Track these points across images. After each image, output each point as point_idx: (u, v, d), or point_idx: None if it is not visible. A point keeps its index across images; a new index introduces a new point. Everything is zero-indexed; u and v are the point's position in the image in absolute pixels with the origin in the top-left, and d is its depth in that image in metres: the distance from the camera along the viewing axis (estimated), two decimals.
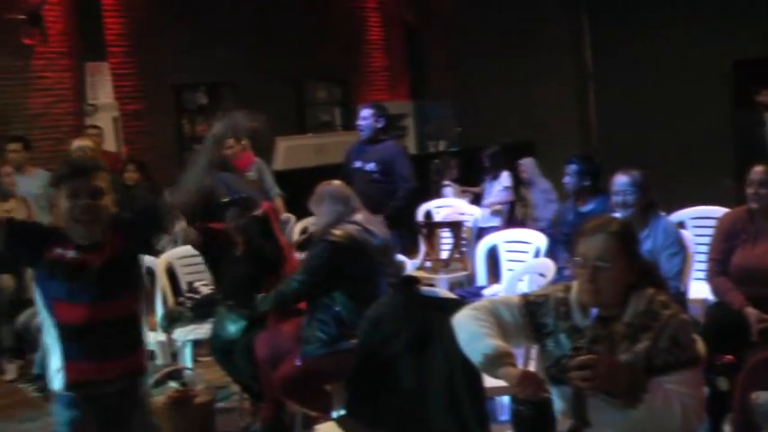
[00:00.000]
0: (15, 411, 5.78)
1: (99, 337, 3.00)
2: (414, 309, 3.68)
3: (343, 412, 3.88)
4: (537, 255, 5.55)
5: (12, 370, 6.47)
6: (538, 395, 2.55)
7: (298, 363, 4.27)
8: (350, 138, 9.57)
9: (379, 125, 6.56)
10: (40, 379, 5.70)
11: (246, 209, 5.08)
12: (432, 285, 5.19)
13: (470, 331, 2.75)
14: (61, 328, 3.00)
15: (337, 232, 4.26)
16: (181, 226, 6.97)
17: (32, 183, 7.02)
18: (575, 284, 2.76)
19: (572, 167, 5.55)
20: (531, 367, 3.63)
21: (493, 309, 2.81)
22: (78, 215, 2.99)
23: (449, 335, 2.91)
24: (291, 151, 10.13)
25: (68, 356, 3.00)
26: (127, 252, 3.13)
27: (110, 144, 8.88)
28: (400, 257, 5.31)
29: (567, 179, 5.59)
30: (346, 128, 11.81)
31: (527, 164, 8.35)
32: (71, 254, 2.99)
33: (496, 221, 7.95)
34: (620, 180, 4.61)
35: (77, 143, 6.84)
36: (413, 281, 3.83)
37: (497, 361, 2.61)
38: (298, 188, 6.43)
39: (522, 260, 5.63)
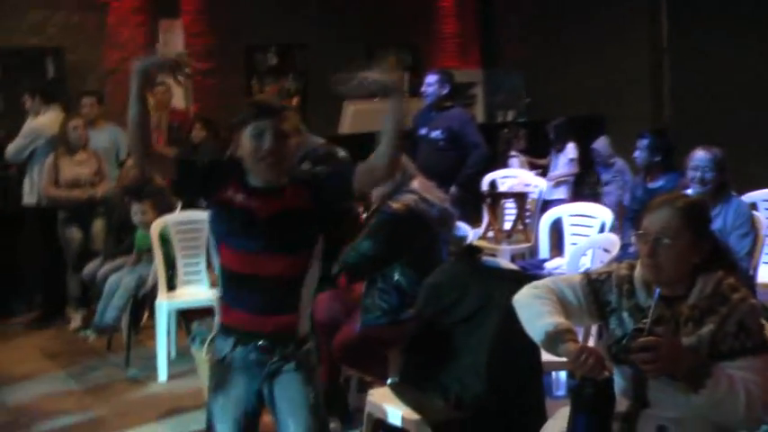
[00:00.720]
0: (79, 360, 5.93)
1: (253, 290, 2.83)
2: (475, 278, 3.65)
3: (397, 378, 3.88)
4: (602, 230, 5.45)
5: (77, 319, 6.64)
6: (598, 372, 2.49)
7: (357, 329, 4.26)
8: (418, 104, 9.52)
9: (444, 91, 6.50)
10: (102, 327, 5.85)
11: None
12: (493, 256, 5.15)
13: (531, 309, 2.70)
14: (222, 269, 2.89)
15: (394, 204, 4.20)
16: None
17: (103, 137, 7.13)
18: (639, 262, 2.69)
19: (643, 142, 5.43)
20: (591, 343, 3.58)
21: (554, 287, 2.76)
22: (262, 155, 2.81)
23: (508, 306, 2.87)
24: (359, 115, 10.08)
25: (225, 299, 2.92)
26: (306, 209, 2.88)
27: (179, 101, 8.95)
28: (463, 227, 5.25)
29: (637, 153, 5.48)
30: (415, 94, 11.71)
31: (600, 146, 8.13)
32: (240, 198, 2.83)
33: (562, 194, 7.84)
34: (700, 156, 4.51)
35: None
36: (475, 250, 3.79)
37: (558, 338, 2.57)
38: (365, 152, 6.42)
39: (587, 234, 5.54)
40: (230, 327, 2.89)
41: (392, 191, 4.26)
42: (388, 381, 4.03)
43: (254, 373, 2.86)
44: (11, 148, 6.78)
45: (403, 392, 3.66)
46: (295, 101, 10.97)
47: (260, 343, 2.84)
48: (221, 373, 2.92)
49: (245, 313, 2.85)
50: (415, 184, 4.30)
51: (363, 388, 4.76)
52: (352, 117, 10.10)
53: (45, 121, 6.86)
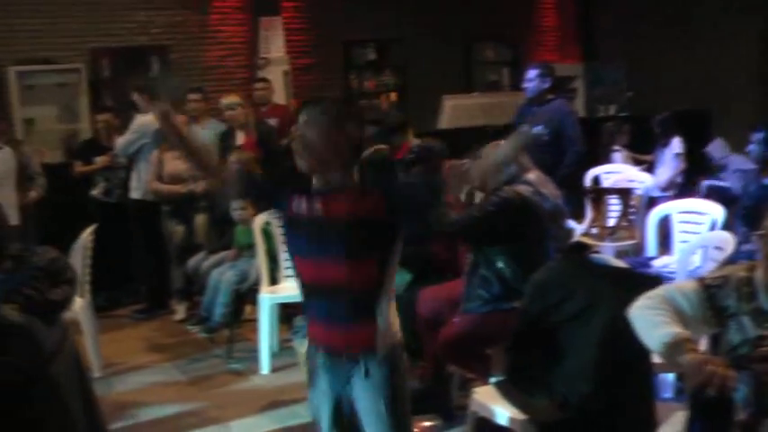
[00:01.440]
0: (183, 351, 6.05)
1: (323, 300, 2.72)
2: (583, 276, 3.55)
3: (501, 377, 3.81)
4: (713, 228, 5.26)
5: (180, 311, 6.78)
6: (724, 389, 2.30)
7: (456, 319, 4.22)
8: (517, 98, 9.38)
9: (545, 85, 6.37)
10: (207, 321, 5.94)
11: (432, 162, 4.98)
12: (596, 253, 5.02)
13: (647, 320, 2.59)
14: (298, 279, 2.80)
15: (508, 190, 4.13)
16: None
17: (207, 132, 7.25)
18: (760, 264, 2.56)
19: (758, 135, 5.22)
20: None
21: (668, 296, 2.64)
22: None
23: (617, 305, 2.77)
24: (457, 110, 10.01)
25: (304, 311, 2.87)
26: (380, 218, 2.68)
27: (279, 97, 9.04)
28: (570, 223, 5.14)
29: (751, 147, 5.27)
30: (514, 88, 11.60)
31: (714, 149, 7.86)
32: (304, 206, 2.69)
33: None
34: None
35: (226, 100, 6.96)
36: (583, 247, 3.68)
37: (677, 348, 2.44)
38: (463, 147, 6.37)
39: (696, 232, 5.35)
40: (311, 338, 2.82)
41: (507, 180, 4.19)
42: (492, 379, 3.97)
43: (334, 376, 2.76)
44: (120, 142, 6.95)
45: (508, 392, 3.58)
46: (392, 96, 11.04)
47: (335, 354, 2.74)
48: (311, 367, 2.85)
49: (320, 324, 2.76)
50: (531, 176, 4.23)
51: (465, 386, 4.72)
52: (451, 112, 10.03)
53: (152, 117, 7.00)
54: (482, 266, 4.18)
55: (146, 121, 6.99)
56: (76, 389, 2.87)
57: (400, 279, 4.78)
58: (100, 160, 7.15)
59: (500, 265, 4.13)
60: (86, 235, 5.61)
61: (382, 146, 6.05)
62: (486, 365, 4.23)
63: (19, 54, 8.72)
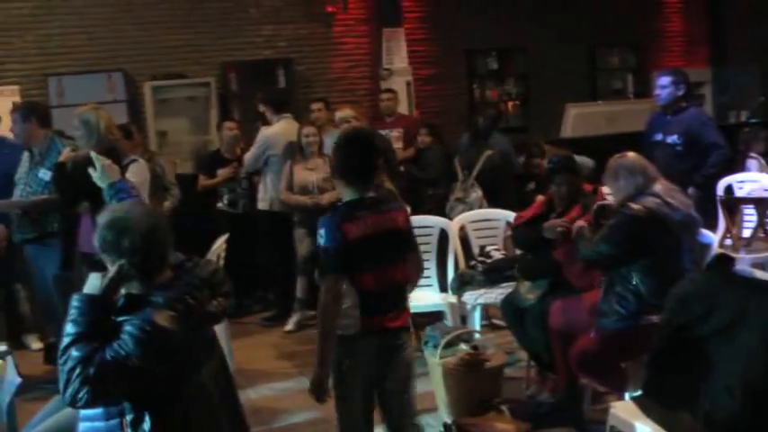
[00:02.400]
0: (311, 358, 6.10)
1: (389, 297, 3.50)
2: (727, 289, 3.43)
3: (640, 392, 3.72)
4: None
5: (291, 323, 6.84)
6: None
7: (592, 334, 4.15)
8: (642, 106, 9.17)
9: (680, 93, 6.19)
10: None
11: (575, 173, 4.91)
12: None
13: None
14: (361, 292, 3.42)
15: (635, 206, 4.07)
16: (476, 194, 7.01)
17: (330, 141, 7.33)
18: None
19: None
20: None
21: None
22: None
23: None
24: (581, 119, 9.87)
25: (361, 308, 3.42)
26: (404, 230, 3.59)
27: (402, 108, 9.11)
28: (708, 234, 4.98)
29: None
30: (639, 95, 11.34)
31: None
32: (354, 229, 3.36)
33: None
34: None
35: (340, 113, 7.03)
36: (727, 259, 3.56)
37: None
38: (587, 155, 6.28)
39: None
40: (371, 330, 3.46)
41: (634, 193, 4.12)
42: (630, 394, 3.88)
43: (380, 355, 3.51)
44: (248, 158, 7.11)
45: (649, 407, 3.50)
46: (511, 105, 10.96)
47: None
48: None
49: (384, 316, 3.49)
50: (658, 187, 4.14)
51: (597, 399, 4.63)
52: (574, 120, 9.90)
53: (277, 129, 7.16)
54: (617, 284, 4.11)
55: (270, 132, 7.15)
56: (223, 395, 2.95)
57: (533, 289, 4.74)
58: (222, 173, 7.33)
59: (635, 281, 4.06)
60: (219, 244, 5.76)
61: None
62: (622, 379, 4.16)
63: (154, 69, 9.09)
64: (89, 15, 9.11)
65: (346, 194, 3.51)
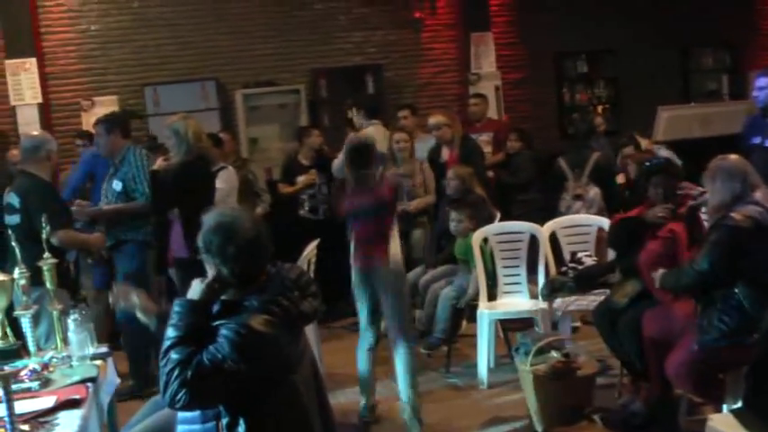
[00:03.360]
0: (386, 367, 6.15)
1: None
2: None
3: (739, 404, 3.62)
4: None
5: (383, 326, 6.84)
6: None
7: (693, 349, 4.03)
8: (738, 108, 8.91)
9: None
10: (425, 335, 6.01)
11: (671, 174, 4.83)
12: None
13: None
14: None
15: (737, 216, 3.93)
16: (595, 191, 6.92)
17: (421, 147, 7.39)
18: None
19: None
20: None
21: None
22: None
23: None
24: (674, 121, 9.64)
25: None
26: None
27: (491, 112, 9.06)
28: None
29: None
30: (735, 97, 11.02)
31: None
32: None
33: None
34: None
35: (433, 120, 7.03)
36: None
37: None
38: (681, 159, 6.14)
39: None
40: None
41: (729, 200, 4.00)
42: (729, 406, 3.78)
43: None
44: (336, 163, 7.16)
45: (749, 421, 3.40)
46: (601, 108, 10.76)
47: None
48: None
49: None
50: (758, 194, 4.00)
51: (693, 410, 4.52)
52: (667, 123, 9.68)
53: (367, 134, 7.21)
54: (719, 299, 3.97)
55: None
56: (313, 397, 2.99)
57: (627, 291, 4.66)
58: (301, 180, 7.41)
59: (738, 295, 3.92)
60: (310, 250, 5.84)
61: None
62: (720, 391, 4.05)
63: (245, 78, 9.26)
64: (182, 27, 9.34)
65: None
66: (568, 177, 6.97)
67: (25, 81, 8.68)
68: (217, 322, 2.78)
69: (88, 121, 8.78)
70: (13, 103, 8.70)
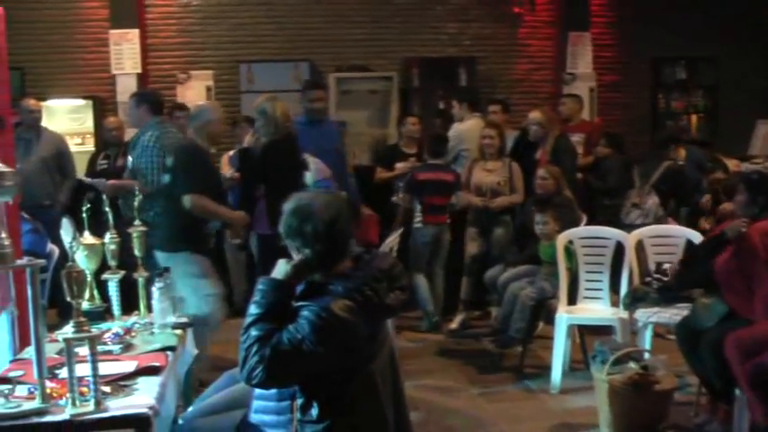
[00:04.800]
0: (473, 359, 6.13)
1: None
2: None
3: None
4: None
5: (456, 321, 6.83)
6: None
7: None
8: None
9: None
10: (501, 333, 5.96)
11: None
12: None
13: None
14: None
15: None
16: (653, 201, 6.80)
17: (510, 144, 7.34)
18: None
19: None
20: None
21: None
22: None
23: None
24: None
25: None
26: None
27: (584, 113, 8.92)
28: None
29: None
30: None
31: None
32: None
33: None
34: None
35: (531, 116, 6.96)
36: None
37: None
38: None
39: None
40: None
41: None
42: None
43: None
44: None
45: None
46: (696, 118, 10.47)
47: None
48: None
49: None
50: None
51: None
52: (765, 137, 9.38)
53: (467, 127, 7.22)
54: None
55: (463, 128, 7.23)
56: (389, 389, 2.98)
57: (713, 312, 4.53)
58: (400, 167, 7.38)
59: None
60: (393, 237, 5.85)
61: None
62: None
63: (339, 61, 9.31)
64: (279, 6, 9.44)
65: None
66: (636, 185, 6.87)
67: (127, 51, 8.90)
68: (299, 303, 2.80)
69: (183, 93, 9.01)
70: (113, 71, 8.94)
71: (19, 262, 2.95)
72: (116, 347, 3.56)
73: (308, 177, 5.66)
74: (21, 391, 2.93)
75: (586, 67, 9.66)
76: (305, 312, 2.72)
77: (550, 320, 5.67)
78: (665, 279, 5.28)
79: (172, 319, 3.89)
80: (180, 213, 5.02)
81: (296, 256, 2.89)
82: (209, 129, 5.29)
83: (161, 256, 4.98)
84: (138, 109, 6.17)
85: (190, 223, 5.08)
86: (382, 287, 2.83)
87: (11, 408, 2.79)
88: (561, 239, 5.59)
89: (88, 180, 6.69)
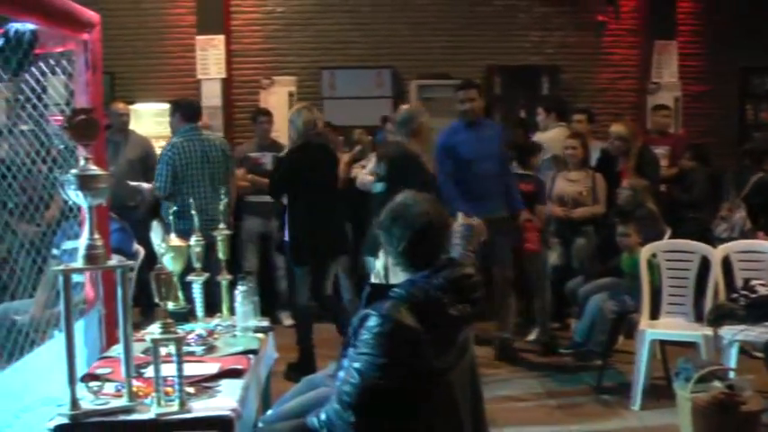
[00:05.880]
0: (550, 371, 6.04)
1: None
2: None
3: None
4: None
5: (534, 332, 6.74)
6: None
7: None
8: None
9: None
10: (580, 346, 5.87)
11: None
12: None
13: None
14: None
15: None
16: (740, 214, 6.62)
17: (593, 155, 7.24)
18: None
19: None
20: None
21: None
22: None
23: None
24: None
25: None
26: None
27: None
28: None
29: None
30: None
31: None
32: None
33: None
34: None
35: (613, 129, 6.84)
36: None
37: None
38: None
39: None
40: None
41: None
42: None
43: None
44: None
45: None
46: None
47: None
48: None
49: None
50: None
51: None
52: None
53: (551, 136, 7.16)
54: None
55: (547, 138, 7.20)
56: (469, 403, 2.95)
57: None
58: None
59: None
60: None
61: None
62: None
63: (421, 69, 9.32)
64: (363, 13, 9.52)
65: None
66: (726, 197, 6.71)
67: (212, 57, 9.09)
68: (363, 312, 2.79)
69: (266, 99, 9.14)
70: (199, 76, 9.12)
71: (110, 263, 3.02)
72: (199, 349, 3.61)
73: None
74: (108, 388, 3.00)
75: (671, 76, 9.48)
76: (367, 323, 2.71)
77: (631, 334, 5.56)
78: (753, 296, 5.14)
79: (254, 322, 3.93)
80: None
81: (383, 252, 2.94)
82: (419, 132, 5.28)
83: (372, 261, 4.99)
84: (172, 117, 6.46)
85: None
86: (448, 297, 2.78)
87: (99, 404, 2.86)
88: (645, 252, 5.48)
89: (133, 183, 6.82)
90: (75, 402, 2.78)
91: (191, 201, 4.71)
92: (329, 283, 6.04)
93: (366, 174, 6.88)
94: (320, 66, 9.30)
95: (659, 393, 5.36)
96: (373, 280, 3.55)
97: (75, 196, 2.88)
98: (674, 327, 5.38)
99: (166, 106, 8.85)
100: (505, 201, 6.06)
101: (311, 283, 5.88)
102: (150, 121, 8.88)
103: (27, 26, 3.58)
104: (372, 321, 2.69)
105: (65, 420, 2.75)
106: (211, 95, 8.93)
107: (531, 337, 6.76)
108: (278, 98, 9.19)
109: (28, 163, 3.90)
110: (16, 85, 3.85)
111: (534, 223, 6.34)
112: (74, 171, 2.87)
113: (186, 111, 6.36)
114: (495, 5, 9.63)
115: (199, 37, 9.11)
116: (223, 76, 9.13)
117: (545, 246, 6.66)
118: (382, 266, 2.98)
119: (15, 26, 3.58)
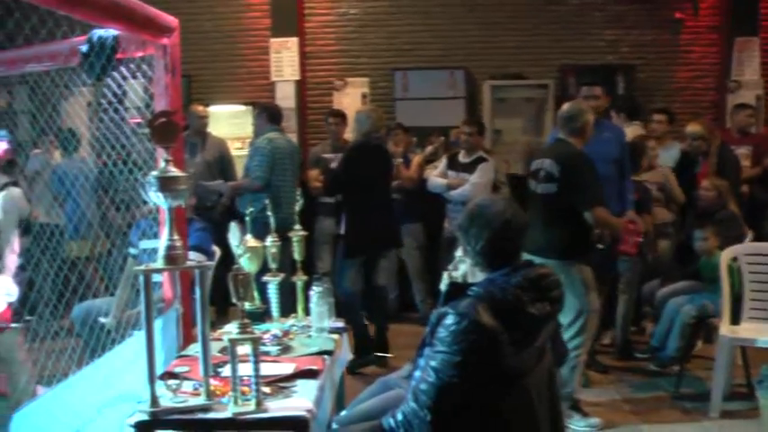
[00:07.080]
0: (625, 376, 5.94)
1: None
2: None
3: None
4: None
5: (608, 335, 6.61)
6: None
7: None
8: None
9: None
10: (657, 351, 5.77)
11: None
12: None
13: None
14: None
15: None
16: None
17: (669, 155, 7.09)
18: None
19: None
20: None
21: None
22: None
23: None
24: None
25: None
26: None
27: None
28: None
29: None
30: None
31: None
32: None
33: None
34: None
35: (690, 129, 6.73)
36: None
37: None
38: None
39: None
40: None
41: None
42: None
43: None
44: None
45: None
46: None
47: None
48: None
49: None
50: None
51: None
52: None
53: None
54: None
55: None
56: (546, 408, 2.91)
57: None
58: None
59: None
60: None
61: None
62: None
63: (493, 69, 9.26)
64: (435, 14, 9.49)
65: None
66: None
67: (286, 59, 9.17)
68: (441, 310, 2.78)
69: (340, 100, 9.19)
70: (273, 78, 9.23)
71: (189, 263, 3.07)
72: (274, 349, 3.64)
73: None
74: (186, 386, 3.04)
75: (753, 74, 9.19)
76: (445, 321, 2.71)
77: (710, 340, 5.43)
78: None
79: (329, 322, 3.96)
80: (569, 223, 4.85)
81: (461, 250, 2.98)
82: (583, 131, 5.04)
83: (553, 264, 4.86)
84: (258, 118, 6.94)
85: (581, 234, 4.94)
86: (527, 295, 2.76)
87: (178, 402, 2.91)
88: (725, 256, 5.34)
89: (208, 184, 6.94)
90: (154, 400, 2.83)
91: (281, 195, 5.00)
92: (378, 275, 6.35)
93: (436, 175, 6.88)
94: (393, 67, 9.31)
95: (740, 401, 5.23)
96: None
97: (155, 198, 2.93)
98: (756, 332, 5.23)
99: (242, 108, 9.04)
100: (617, 204, 5.64)
101: (363, 275, 6.21)
102: (225, 122, 9.01)
103: (110, 32, 3.66)
104: (449, 319, 2.69)
105: (145, 417, 2.81)
106: (285, 97, 9.01)
107: (606, 340, 6.65)
108: (351, 99, 9.25)
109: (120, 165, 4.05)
110: (99, 89, 3.95)
111: (637, 226, 6.03)
112: (154, 173, 2.92)
113: (272, 113, 6.81)
114: (570, 4, 9.49)
115: (273, 39, 9.21)
116: (297, 77, 9.21)
117: (642, 252, 6.49)
118: (461, 275, 2.97)
119: (98, 32, 3.67)
